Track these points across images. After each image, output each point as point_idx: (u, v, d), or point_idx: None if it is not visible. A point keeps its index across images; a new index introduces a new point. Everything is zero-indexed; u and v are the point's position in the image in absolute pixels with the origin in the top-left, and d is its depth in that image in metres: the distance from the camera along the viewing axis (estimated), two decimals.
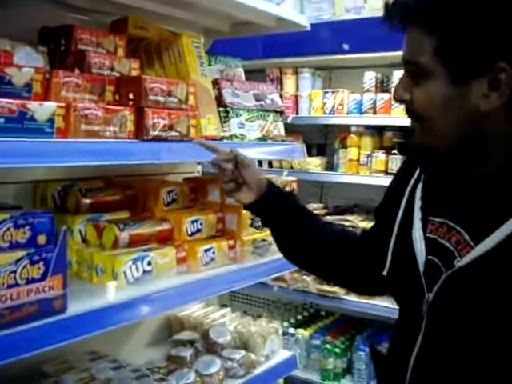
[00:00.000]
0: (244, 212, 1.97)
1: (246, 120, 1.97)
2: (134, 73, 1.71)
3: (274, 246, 2.05)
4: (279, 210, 1.50)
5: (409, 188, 1.28)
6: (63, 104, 1.37)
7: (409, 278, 1.21)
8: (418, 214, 1.22)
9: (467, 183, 1.17)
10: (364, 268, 1.44)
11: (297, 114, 4.09)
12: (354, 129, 3.86)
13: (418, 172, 1.28)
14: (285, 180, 2.27)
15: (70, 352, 1.96)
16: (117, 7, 1.93)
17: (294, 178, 2.32)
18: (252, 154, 2.00)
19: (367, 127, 3.82)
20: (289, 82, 4.12)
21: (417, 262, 1.19)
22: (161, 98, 1.60)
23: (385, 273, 1.29)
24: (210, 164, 1.55)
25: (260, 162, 4.44)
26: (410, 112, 1.15)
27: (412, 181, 1.28)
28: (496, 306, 1.05)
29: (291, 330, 3.79)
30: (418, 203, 1.23)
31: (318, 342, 3.72)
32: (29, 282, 1.30)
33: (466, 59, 1.04)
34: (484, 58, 1.03)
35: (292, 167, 4.14)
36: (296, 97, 4.11)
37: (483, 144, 1.11)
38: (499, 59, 1.02)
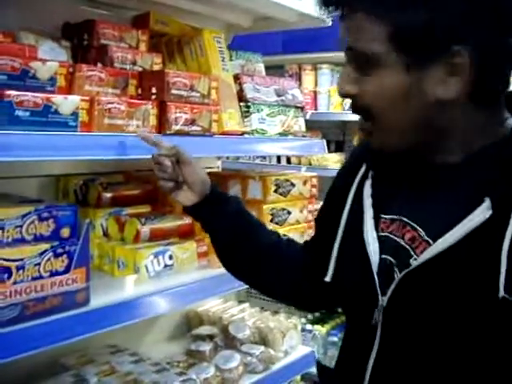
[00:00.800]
0: (264, 207, 1.97)
1: (267, 115, 1.96)
2: (156, 67, 1.71)
3: None
4: (221, 215, 1.37)
5: (354, 186, 1.17)
6: (87, 98, 1.38)
7: (360, 283, 1.09)
8: (369, 213, 1.11)
9: (423, 174, 1.07)
10: (308, 279, 1.31)
11: (315, 110, 4.08)
12: None
13: (364, 168, 1.17)
14: (304, 175, 2.27)
15: (90, 345, 1.97)
16: (138, 2, 1.94)
17: (313, 174, 2.31)
18: (273, 149, 2.00)
19: None
20: (308, 78, 4.12)
21: (370, 263, 1.06)
22: (183, 93, 1.60)
23: (328, 279, 1.17)
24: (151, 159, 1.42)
25: (278, 158, 4.44)
26: (358, 109, 1.03)
27: (357, 179, 1.17)
28: (455, 307, 0.96)
29: (308, 327, 3.78)
30: (367, 201, 1.12)
31: (335, 339, 3.70)
32: (52, 274, 1.31)
33: (421, 44, 0.94)
34: (439, 41, 0.94)
35: (310, 163, 4.13)
36: (315, 93, 4.11)
37: (446, 136, 1.01)
38: (455, 42, 0.93)
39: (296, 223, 2.12)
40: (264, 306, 2.75)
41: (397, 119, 0.99)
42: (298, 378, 2.53)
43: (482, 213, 0.94)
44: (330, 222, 1.20)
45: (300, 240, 2.04)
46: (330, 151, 4.06)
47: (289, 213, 2.07)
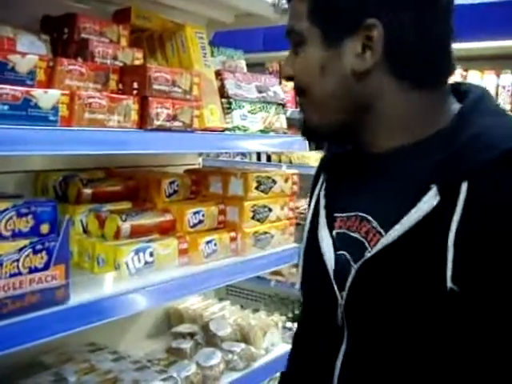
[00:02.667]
0: (246, 204, 1.97)
1: (249, 112, 1.95)
2: (137, 63, 1.69)
3: (276, 239, 2.06)
4: None
5: (316, 193, 1.18)
6: (67, 92, 1.36)
7: (319, 284, 1.08)
8: (322, 213, 1.12)
9: (370, 164, 1.06)
10: None
11: (296, 107, 4.07)
12: None
13: (323, 175, 1.19)
14: (285, 173, 2.26)
15: (69, 343, 1.94)
16: None
17: (295, 171, 2.31)
18: (254, 145, 1.99)
19: None
20: None
21: (324, 261, 1.05)
22: (165, 88, 1.58)
23: (297, 286, 1.18)
24: None
25: (259, 156, 4.44)
26: (295, 88, 1.08)
27: (318, 186, 1.19)
28: (408, 300, 0.92)
29: (289, 324, 3.77)
30: (322, 202, 1.14)
31: None
32: (31, 271, 1.29)
33: (335, 19, 0.98)
34: (353, 15, 0.97)
35: (291, 161, 4.13)
36: None
37: (376, 117, 1.02)
38: (367, 16, 0.96)
39: (277, 220, 2.11)
40: (243, 304, 2.74)
41: (321, 93, 1.02)
42: (278, 375, 2.53)
43: (429, 200, 0.92)
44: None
45: (281, 237, 2.05)
46: (310, 149, 4.07)
47: (270, 210, 2.07)
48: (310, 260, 1.15)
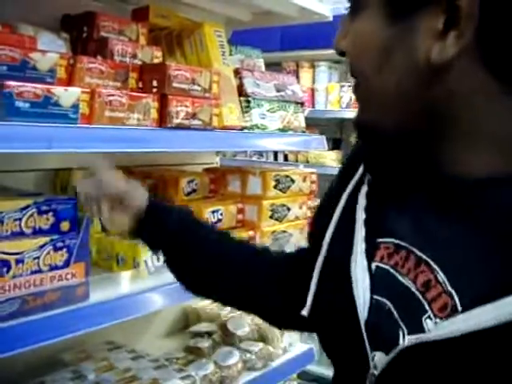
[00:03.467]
0: (264, 203, 1.96)
1: (268, 110, 1.95)
2: (157, 61, 1.69)
3: (295, 238, 2.05)
4: (165, 230, 1.12)
5: (347, 192, 0.86)
6: (88, 90, 1.36)
7: (343, 330, 0.79)
8: (360, 231, 0.79)
9: (442, 192, 0.73)
10: (285, 300, 1.05)
11: (313, 107, 4.07)
12: None
13: (361, 170, 0.86)
14: (303, 172, 2.25)
15: (88, 341, 1.95)
16: None
17: (313, 170, 2.30)
18: (273, 144, 1.99)
19: None
20: (305, 76, 4.11)
21: (355, 306, 0.75)
22: (185, 86, 1.58)
23: (305, 313, 0.87)
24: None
25: (275, 156, 4.43)
26: (350, 66, 0.77)
27: (352, 182, 0.86)
28: None
29: None
30: (361, 215, 0.80)
31: None
32: (52, 268, 1.30)
33: None
34: None
35: (308, 161, 4.12)
36: (312, 90, 4.10)
37: (453, 126, 0.70)
38: None
39: (295, 219, 2.11)
40: None
41: (380, 87, 0.72)
42: (295, 375, 2.52)
43: None
44: (318, 239, 0.89)
45: (300, 236, 2.03)
46: (327, 149, 4.06)
47: (288, 209, 2.06)
48: (331, 289, 0.84)
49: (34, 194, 1.40)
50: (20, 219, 1.28)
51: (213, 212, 1.84)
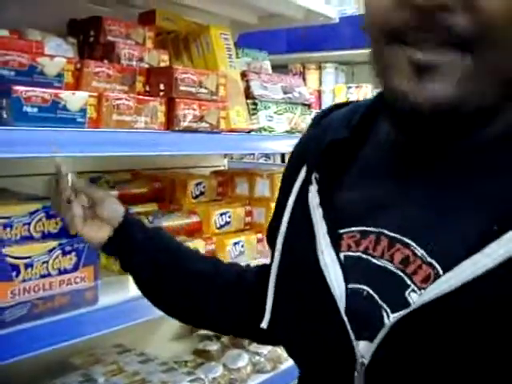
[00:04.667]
0: (273, 205, 1.95)
1: (275, 113, 1.95)
2: (163, 64, 1.69)
3: None
4: (138, 246, 1.08)
5: (293, 196, 0.84)
6: (95, 94, 1.36)
7: (318, 331, 0.75)
8: (321, 227, 0.76)
9: (438, 159, 0.71)
10: (249, 313, 0.99)
11: (320, 109, 4.06)
12: None
13: (304, 171, 0.84)
14: None
15: (97, 345, 1.95)
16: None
17: None
18: (281, 146, 1.98)
19: None
20: (312, 77, 4.10)
21: (333, 297, 0.71)
22: (192, 89, 1.58)
23: (264, 325, 0.85)
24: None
25: (283, 158, 4.42)
26: (453, 36, 0.62)
27: (297, 184, 0.84)
28: (476, 366, 0.61)
29: None
30: (317, 212, 0.77)
31: None
32: (61, 272, 1.30)
33: None
34: None
35: None
36: (319, 92, 4.09)
37: None
38: None
39: None
40: None
41: None
42: None
43: None
44: (272, 244, 0.87)
45: None
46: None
47: None
48: (295, 292, 0.80)
49: (42, 199, 1.41)
50: (29, 223, 1.29)
51: (221, 215, 1.84)
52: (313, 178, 0.80)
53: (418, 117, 0.65)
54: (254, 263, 1.80)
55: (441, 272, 0.63)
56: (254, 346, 2.08)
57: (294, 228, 0.83)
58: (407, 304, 0.64)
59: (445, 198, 0.68)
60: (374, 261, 0.70)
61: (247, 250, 1.83)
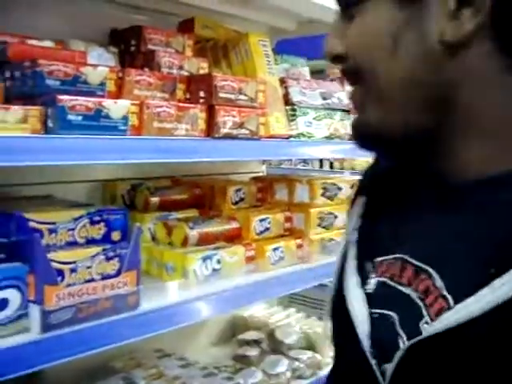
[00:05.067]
0: (312, 211, 1.96)
1: (314, 118, 1.95)
2: (203, 72, 1.71)
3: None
4: None
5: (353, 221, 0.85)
6: (137, 102, 1.39)
7: (348, 351, 0.77)
8: (351, 251, 0.79)
9: (441, 196, 0.71)
10: None
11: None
12: None
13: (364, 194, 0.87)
14: (350, 179, 2.24)
15: (138, 349, 1.98)
16: (182, 8, 1.95)
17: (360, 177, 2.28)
18: (320, 152, 1.99)
19: None
20: None
21: (352, 323, 0.73)
22: (231, 96, 1.59)
23: None
24: None
25: (321, 163, 4.42)
26: (348, 72, 0.73)
27: (356, 207, 0.86)
28: None
29: None
30: (352, 237, 0.80)
31: None
32: (104, 277, 1.32)
33: None
34: None
35: (353, 168, 4.09)
36: None
37: (458, 116, 0.67)
38: None
39: (343, 227, 2.09)
40: (306, 312, 2.72)
41: (391, 77, 0.67)
42: None
43: None
44: None
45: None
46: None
47: (335, 217, 2.05)
48: (336, 313, 0.82)
49: (86, 205, 1.43)
50: (73, 229, 1.32)
51: (260, 221, 1.84)
52: (361, 201, 0.84)
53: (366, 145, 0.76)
54: (293, 269, 1.82)
55: (452, 305, 0.63)
56: (293, 352, 2.08)
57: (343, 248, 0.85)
58: (420, 334, 0.65)
59: (457, 229, 0.68)
60: (401, 288, 0.70)
61: (287, 256, 1.83)
